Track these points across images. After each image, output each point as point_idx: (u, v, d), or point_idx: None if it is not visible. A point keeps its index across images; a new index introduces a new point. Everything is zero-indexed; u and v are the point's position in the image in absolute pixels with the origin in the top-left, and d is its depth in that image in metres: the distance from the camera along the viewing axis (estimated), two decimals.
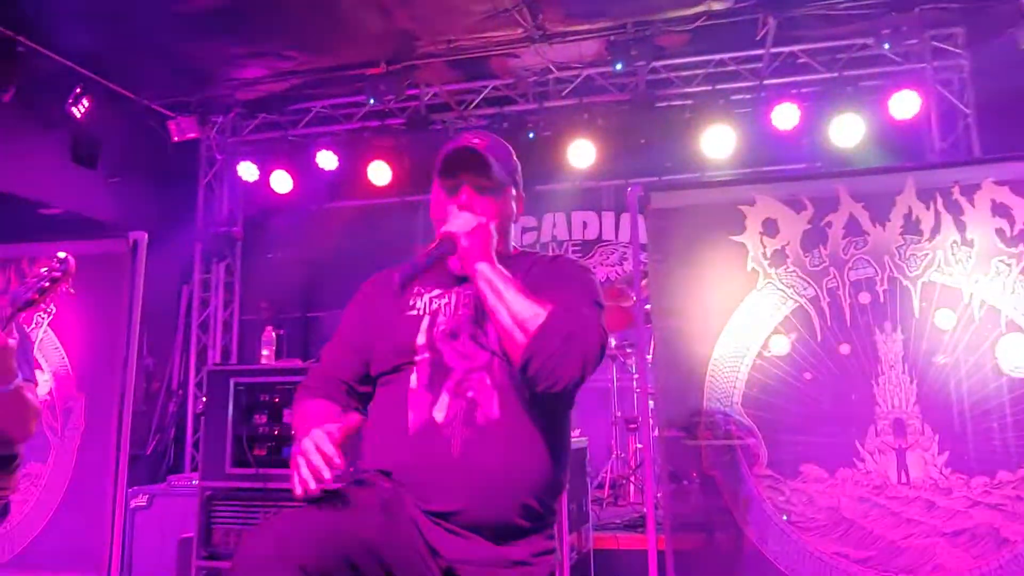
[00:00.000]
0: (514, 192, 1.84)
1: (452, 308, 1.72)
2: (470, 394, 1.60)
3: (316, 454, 1.40)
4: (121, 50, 5.61)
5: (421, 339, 1.69)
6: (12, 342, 2.32)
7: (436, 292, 1.76)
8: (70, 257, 2.43)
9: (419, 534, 1.53)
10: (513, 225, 1.86)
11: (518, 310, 1.54)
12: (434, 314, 1.72)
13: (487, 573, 1.53)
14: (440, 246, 1.63)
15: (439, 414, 1.59)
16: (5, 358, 2.33)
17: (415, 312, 1.74)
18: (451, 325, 1.69)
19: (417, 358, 1.67)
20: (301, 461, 1.41)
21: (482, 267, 1.60)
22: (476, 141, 1.77)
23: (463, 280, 1.72)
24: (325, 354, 1.86)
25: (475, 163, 1.73)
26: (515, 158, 1.87)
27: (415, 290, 1.78)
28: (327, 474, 1.37)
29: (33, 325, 4.37)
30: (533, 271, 1.74)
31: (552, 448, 1.65)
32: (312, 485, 1.37)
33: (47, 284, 2.36)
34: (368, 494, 1.54)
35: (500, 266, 1.61)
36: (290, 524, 1.39)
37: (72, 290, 2.48)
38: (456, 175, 1.74)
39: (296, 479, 1.41)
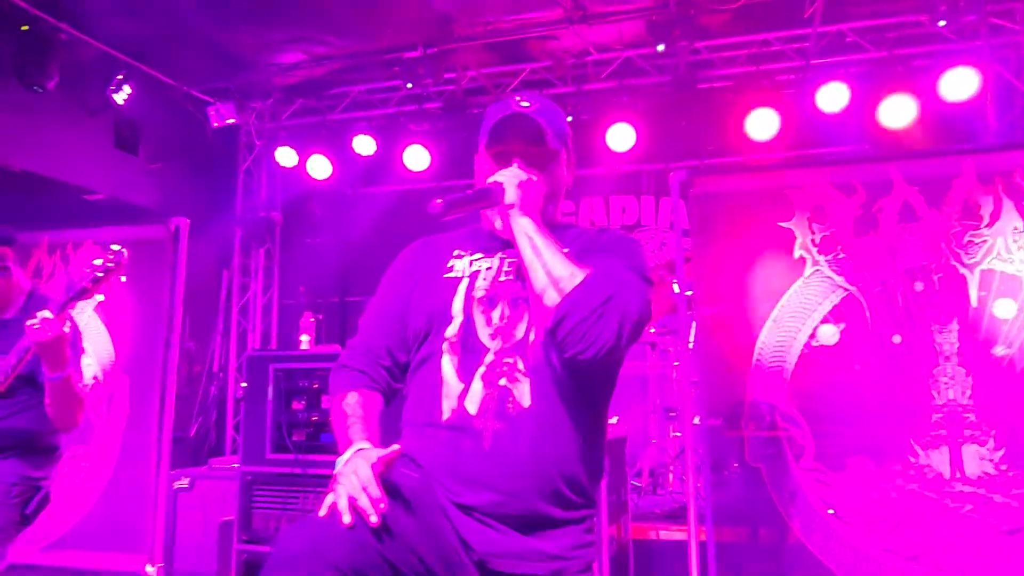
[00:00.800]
0: (565, 157, 1.76)
1: (493, 274, 1.66)
2: (502, 382, 1.55)
3: (364, 496, 1.34)
4: (161, 37, 5.65)
5: (457, 304, 1.63)
6: (67, 329, 2.36)
7: (478, 256, 1.70)
8: (124, 250, 2.50)
9: (451, 526, 1.50)
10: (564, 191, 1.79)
11: (555, 268, 1.48)
12: (473, 277, 1.67)
13: (520, 566, 1.50)
14: (486, 189, 1.58)
15: (471, 405, 1.54)
16: (59, 346, 2.37)
17: (453, 275, 1.69)
18: (490, 292, 1.63)
19: (448, 331, 1.62)
20: (342, 491, 1.36)
21: (523, 221, 1.54)
22: (527, 104, 1.67)
23: (507, 245, 1.65)
24: (363, 324, 1.80)
25: (528, 130, 1.65)
26: (566, 120, 1.78)
27: (454, 252, 1.73)
28: (374, 519, 1.32)
29: (78, 310, 4.44)
30: (578, 241, 1.68)
31: (587, 434, 1.60)
32: (347, 519, 1.33)
33: (101, 275, 2.43)
34: (398, 489, 1.49)
35: (541, 224, 1.56)
36: (325, 523, 1.36)
37: (124, 279, 2.54)
38: (506, 143, 1.66)
39: (333, 505, 1.36)
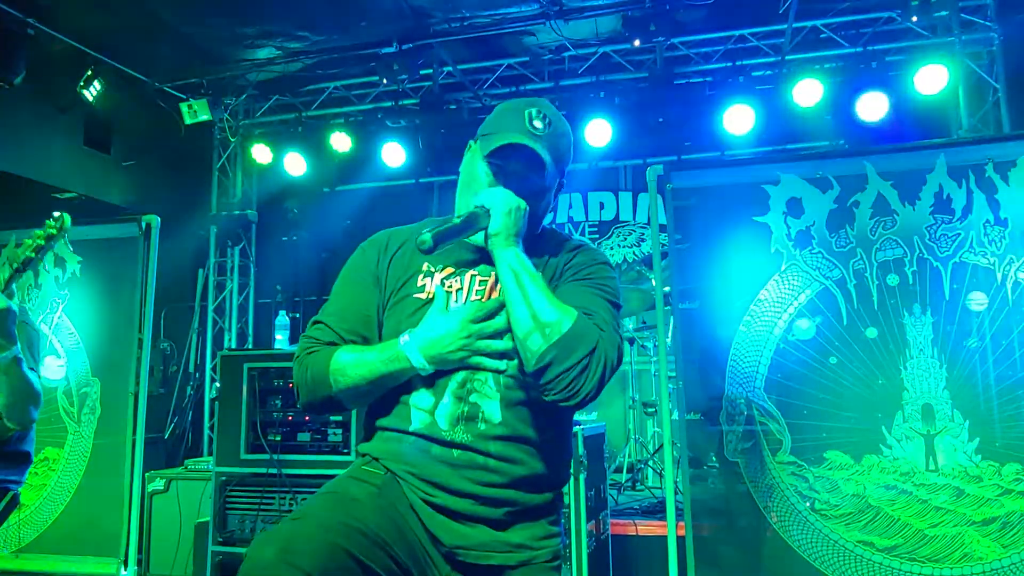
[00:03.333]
0: (557, 184, 1.72)
1: (464, 295, 1.61)
2: (472, 397, 1.54)
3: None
4: (132, 32, 5.56)
5: None
6: (14, 307, 2.28)
7: (448, 272, 1.65)
8: (65, 215, 2.46)
9: (418, 520, 1.52)
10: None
11: (540, 310, 1.45)
12: (448, 297, 1.62)
13: (488, 557, 1.52)
14: (474, 215, 1.53)
15: (441, 419, 1.54)
16: (2, 321, 2.28)
17: (423, 296, 1.63)
18: None
19: None
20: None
21: (508, 253, 1.50)
22: (539, 127, 1.59)
23: (479, 260, 1.62)
24: (327, 312, 1.67)
25: (530, 160, 1.59)
26: (571, 148, 1.72)
27: (424, 267, 1.66)
28: None
29: (47, 310, 4.36)
30: (553, 260, 1.66)
31: (554, 447, 1.61)
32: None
33: (42, 242, 2.38)
34: (365, 487, 1.53)
35: (525, 256, 1.52)
36: (294, 530, 1.37)
37: (69, 245, 2.52)
38: (507, 161, 1.60)
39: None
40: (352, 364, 1.55)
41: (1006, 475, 3.07)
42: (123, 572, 3.94)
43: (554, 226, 6.94)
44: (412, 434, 1.56)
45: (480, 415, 1.53)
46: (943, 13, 5.36)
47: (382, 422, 1.63)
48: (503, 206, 1.52)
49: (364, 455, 1.63)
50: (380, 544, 1.41)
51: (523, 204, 1.56)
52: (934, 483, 3.13)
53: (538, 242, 1.67)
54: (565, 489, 1.72)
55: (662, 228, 3.88)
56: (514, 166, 1.60)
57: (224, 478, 3.59)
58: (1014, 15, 5.44)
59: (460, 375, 1.55)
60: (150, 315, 4.26)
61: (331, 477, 3.53)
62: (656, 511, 4.24)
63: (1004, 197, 3.19)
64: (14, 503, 2.61)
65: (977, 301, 3.17)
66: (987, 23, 5.53)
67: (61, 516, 4.17)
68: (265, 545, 1.33)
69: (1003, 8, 5.50)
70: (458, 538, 1.51)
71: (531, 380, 1.50)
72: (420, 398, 1.57)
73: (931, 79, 5.38)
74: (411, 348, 1.51)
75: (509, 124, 1.60)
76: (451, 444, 1.52)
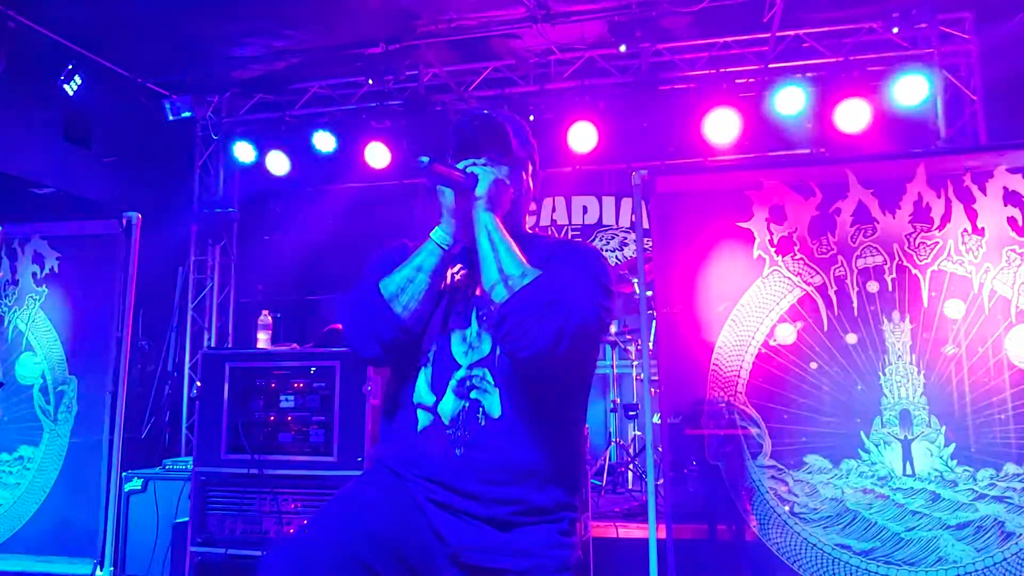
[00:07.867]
0: (531, 168, 1.80)
1: (471, 291, 1.69)
2: (473, 394, 1.59)
3: None
4: (114, 26, 5.50)
5: (437, 317, 1.67)
6: None
7: (458, 267, 1.72)
8: None
9: (425, 520, 1.54)
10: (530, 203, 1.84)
11: (507, 265, 1.52)
12: (453, 292, 1.69)
13: (494, 560, 1.52)
14: (469, 173, 1.62)
15: (444, 416, 1.59)
16: None
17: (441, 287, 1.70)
18: (466, 308, 1.67)
19: (426, 343, 1.65)
20: None
21: (486, 216, 1.58)
22: (487, 113, 1.72)
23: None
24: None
25: (493, 133, 1.68)
26: (532, 137, 1.83)
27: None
28: None
29: (25, 307, 4.30)
30: (541, 251, 1.69)
31: (559, 443, 1.62)
32: None
33: None
34: (373, 491, 1.57)
35: (501, 224, 1.59)
36: (309, 539, 1.40)
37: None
38: (476, 150, 1.68)
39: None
40: (393, 274, 1.63)
41: (980, 480, 3.12)
42: (99, 572, 3.89)
43: (536, 229, 6.92)
44: (419, 435, 1.60)
45: (480, 411, 1.57)
46: (922, 25, 5.44)
47: (392, 425, 1.68)
48: (490, 175, 1.62)
49: (376, 459, 1.68)
50: (393, 549, 1.44)
51: (506, 180, 1.65)
52: (911, 487, 3.18)
53: (528, 241, 1.70)
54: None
55: (645, 233, 3.90)
56: (482, 146, 1.68)
57: (204, 478, 3.56)
58: (991, 28, 5.54)
59: (460, 372, 1.60)
60: (130, 313, 4.21)
61: (312, 478, 3.52)
62: (637, 514, 4.25)
63: (981, 207, 3.25)
64: None
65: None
66: (965, 36, 5.63)
67: (36, 515, 4.11)
68: (279, 553, 1.37)
69: (980, 21, 5.60)
70: (463, 538, 1.53)
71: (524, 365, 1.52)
72: (423, 397, 1.62)
73: (910, 90, 5.46)
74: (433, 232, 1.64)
75: (464, 115, 1.73)
76: (453, 443, 1.56)
